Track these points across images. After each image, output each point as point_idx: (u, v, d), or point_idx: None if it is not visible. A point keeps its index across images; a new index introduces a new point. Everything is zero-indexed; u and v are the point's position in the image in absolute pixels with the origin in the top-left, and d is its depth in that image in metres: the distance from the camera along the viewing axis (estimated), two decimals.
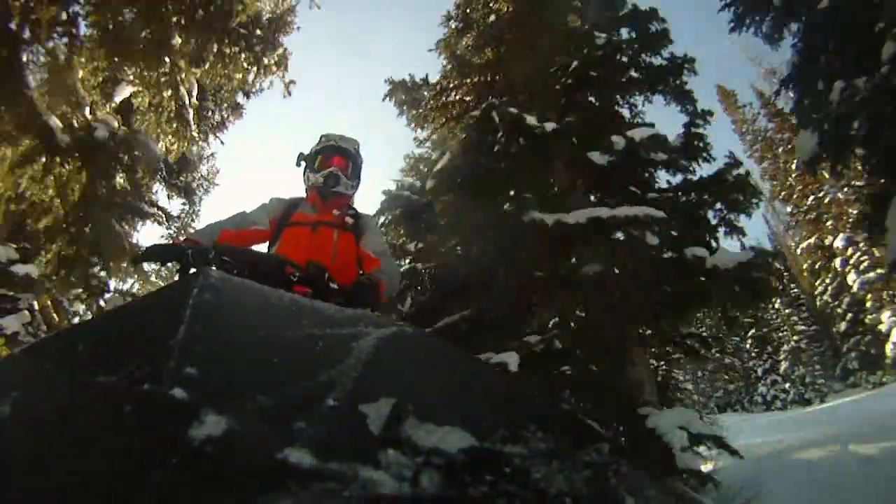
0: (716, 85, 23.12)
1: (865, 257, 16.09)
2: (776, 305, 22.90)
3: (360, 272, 1.77)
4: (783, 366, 21.06)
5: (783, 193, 19.38)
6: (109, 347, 0.33)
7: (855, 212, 16.21)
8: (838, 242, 17.18)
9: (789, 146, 18.23)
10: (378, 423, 0.28)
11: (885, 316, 15.10)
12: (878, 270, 15.14)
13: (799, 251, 19.90)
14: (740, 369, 22.91)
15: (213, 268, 1.35)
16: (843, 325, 18.52)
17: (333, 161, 1.89)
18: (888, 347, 14.78)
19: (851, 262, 16.55)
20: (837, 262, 17.61)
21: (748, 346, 23.85)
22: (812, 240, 18.34)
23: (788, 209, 19.67)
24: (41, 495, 0.22)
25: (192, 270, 1.37)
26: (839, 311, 19.15)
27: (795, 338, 21.31)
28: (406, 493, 0.24)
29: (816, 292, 20.48)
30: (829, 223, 17.82)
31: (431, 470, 0.25)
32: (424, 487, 0.24)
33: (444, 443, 0.27)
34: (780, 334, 22.34)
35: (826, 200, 17.89)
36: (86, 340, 0.35)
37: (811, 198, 18.25)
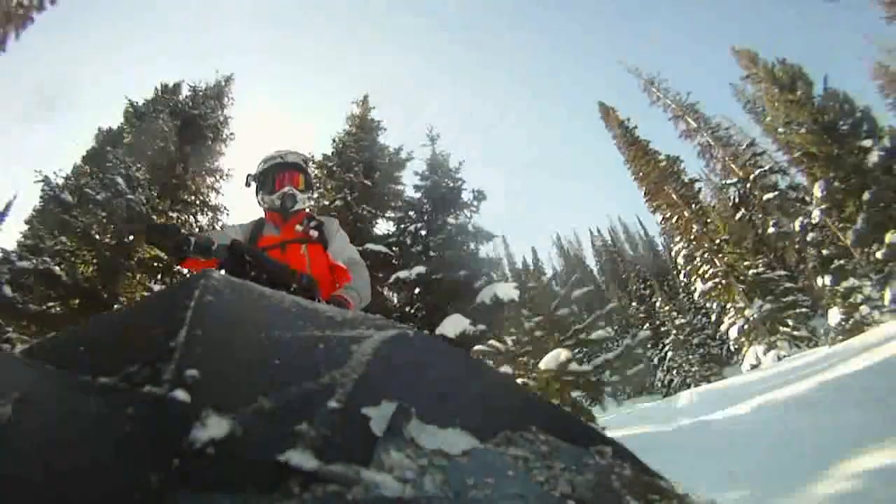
0: (598, 102, 24.16)
1: (707, 267, 17.64)
2: (658, 302, 25.61)
3: (336, 285, 1.77)
4: (668, 355, 23.61)
5: (655, 203, 20.63)
6: (110, 349, 0.33)
7: (695, 227, 18.02)
8: (680, 259, 19.08)
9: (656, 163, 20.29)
10: (381, 425, 0.28)
11: (726, 319, 17.13)
12: (715, 280, 17.31)
13: (673, 253, 20.92)
14: (644, 358, 26.04)
15: (211, 259, 1.34)
16: (713, 318, 19.83)
17: (286, 179, 1.87)
18: (732, 345, 17.28)
19: (698, 272, 18.09)
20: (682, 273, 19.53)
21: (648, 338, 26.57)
22: (681, 244, 19.55)
23: (658, 217, 21.07)
24: (41, 496, 0.22)
25: (187, 259, 1.37)
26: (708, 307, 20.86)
27: (675, 331, 23.49)
28: (409, 496, 0.23)
29: (692, 290, 21.83)
30: (678, 238, 19.43)
31: (434, 472, 0.25)
32: (427, 489, 0.24)
33: (446, 445, 0.27)
34: (664, 328, 24.92)
35: (675, 219, 19.36)
36: (86, 341, 0.34)
37: (669, 213, 19.74)
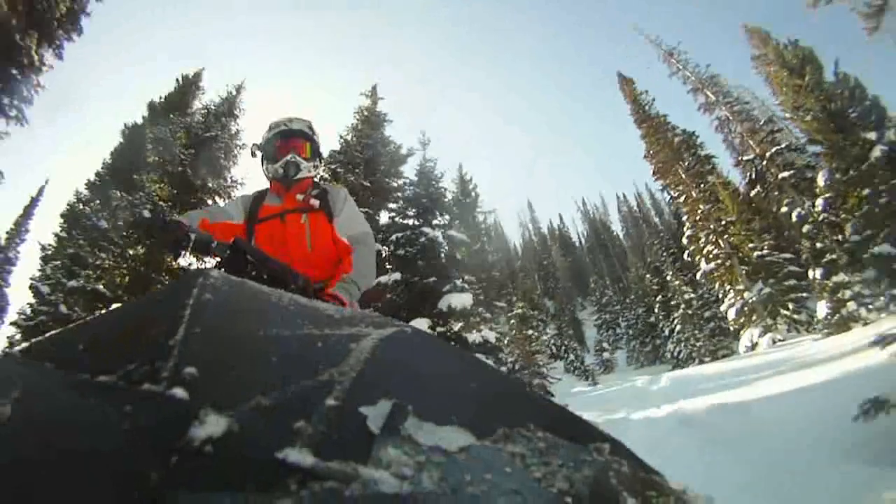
0: (617, 73, 24.20)
1: (712, 248, 17.77)
2: (668, 276, 25.66)
3: (339, 262, 1.69)
4: (678, 327, 23.61)
5: (665, 181, 20.67)
6: (109, 347, 0.33)
7: (702, 208, 17.97)
8: (684, 240, 19.32)
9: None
10: (378, 422, 0.28)
11: (726, 300, 17.29)
12: (717, 262, 17.56)
13: (684, 228, 21.01)
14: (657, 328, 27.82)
15: (211, 257, 1.33)
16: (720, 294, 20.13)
17: (290, 145, 1.79)
18: (731, 326, 17.45)
19: (702, 252, 18.21)
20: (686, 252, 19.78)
21: (657, 308, 27.78)
22: (687, 224, 19.64)
23: (667, 194, 21.17)
24: (40, 496, 0.22)
25: (186, 255, 1.36)
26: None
27: (683, 305, 23.44)
28: (406, 492, 0.23)
29: (695, 270, 22.03)
30: (686, 219, 19.54)
31: (432, 468, 0.25)
32: (425, 486, 0.24)
33: (444, 442, 0.27)
34: (674, 301, 24.87)
35: (682, 199, 19.40)
36: (86, 340, 0.34)
37: (676, 193, 19.91)
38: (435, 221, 10.82)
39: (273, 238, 1.66)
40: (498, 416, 0.31)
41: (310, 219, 1.70)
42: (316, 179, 1.89)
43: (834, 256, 12.81)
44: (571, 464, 0.28)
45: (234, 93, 15.80)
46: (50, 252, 12.18)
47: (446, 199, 11.61)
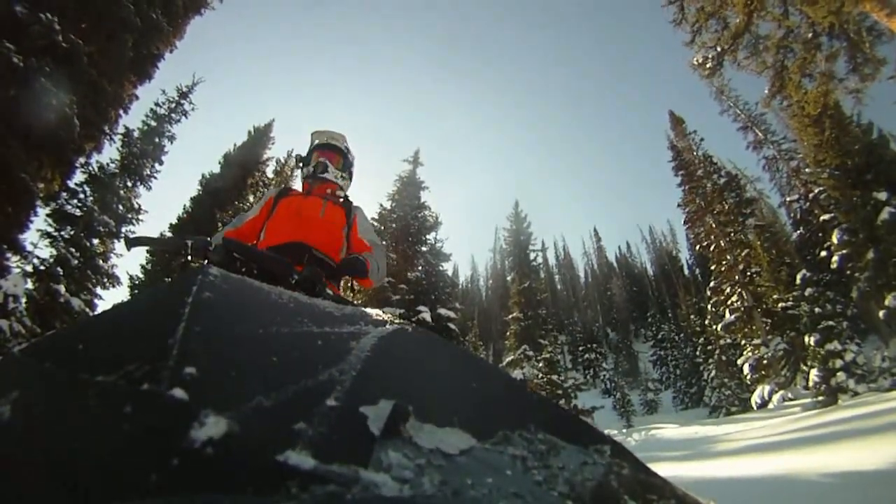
0: (669, 111, 23.68)
1: (737, 300, 17.57)
2: (706, 320, 24.84)
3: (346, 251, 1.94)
4: (713, 373, 23.39)
5: (694, 232, 20.48)
6: (108, 347, 0.33)
7: (729, 258, 17.73)
8: (707, 291, 19.20)
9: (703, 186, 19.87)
10: (379, 423, 0.28)
11: (744, 354, 17.17)
12: (736, 314, 17.38)
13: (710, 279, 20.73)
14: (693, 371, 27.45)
15: (207, 261, 1.35)
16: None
17: (325, 155, 2.13)
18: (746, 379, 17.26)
19: (726, 304, 18.08)
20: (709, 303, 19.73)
21: (697, 351, 27.44)
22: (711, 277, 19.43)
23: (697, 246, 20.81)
24: (39, 496, 0.22)
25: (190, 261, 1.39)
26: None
27: (718, 351, 22.94)
28: (407, 495, 0.23)
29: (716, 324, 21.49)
30: (712, 269, 19.36)
31: (432, 471, 0.25)
32: (425, 489, 0.24)
33: (444, 444, 0.27)
34: (710, 346, 24.50)
35: (712, 248, 19.17)
36: (85, 339, 0.34)
37: (705, 243, 19.71)
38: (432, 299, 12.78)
39: (291, 206, 1.91)
40: (499, 418, 0.31)
41: (328, 204, 1.96)
42: (347, 192, 2.21)
43: (832, 323, 12.52)
44: (572, 466, 0.28)
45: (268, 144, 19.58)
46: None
47: (447, 277, 13.86)
